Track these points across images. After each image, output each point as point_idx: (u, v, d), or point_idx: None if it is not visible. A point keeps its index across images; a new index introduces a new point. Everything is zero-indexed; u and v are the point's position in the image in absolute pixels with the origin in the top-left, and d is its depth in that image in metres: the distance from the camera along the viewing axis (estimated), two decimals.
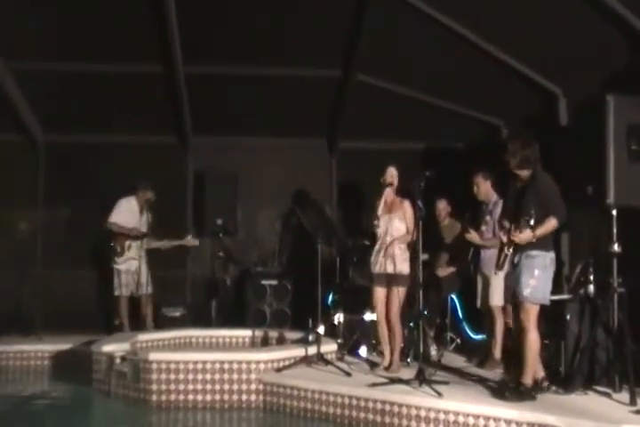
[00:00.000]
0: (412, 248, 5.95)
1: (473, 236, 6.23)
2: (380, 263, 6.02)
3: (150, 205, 7.97)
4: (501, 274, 6.09)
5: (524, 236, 4.84)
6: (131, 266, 7.81)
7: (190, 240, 8.00)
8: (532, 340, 4.89)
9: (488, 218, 6.32)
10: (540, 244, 4.89)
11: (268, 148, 9.24)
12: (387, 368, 5.95)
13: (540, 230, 4.84)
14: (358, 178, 8.50)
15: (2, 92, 8.20)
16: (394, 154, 7.41)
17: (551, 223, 4.86)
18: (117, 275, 7.87)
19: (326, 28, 7.22)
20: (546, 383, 5.02)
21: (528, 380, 4.89)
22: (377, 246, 6.11)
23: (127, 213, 7.93)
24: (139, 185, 8.00)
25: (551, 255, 4.95)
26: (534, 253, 4.90)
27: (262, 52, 7.64)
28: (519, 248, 4.96)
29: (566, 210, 4.91)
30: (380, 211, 6.08)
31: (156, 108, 8.53)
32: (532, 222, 4.78)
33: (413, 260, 5.95)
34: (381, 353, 6.22)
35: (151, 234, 7.97)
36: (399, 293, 5.91)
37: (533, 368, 4.93)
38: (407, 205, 6.03)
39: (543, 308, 4.99)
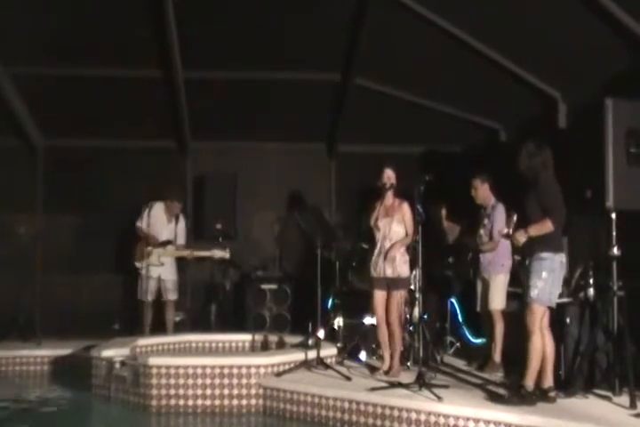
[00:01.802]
0: (412, 251, 5.94)
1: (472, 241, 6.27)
2: (380, 267, 5.99)
3: (177, 215, 7.97)
4: (501, 278, 6.15)
5: (518, 235, 4.91)
6: (152, 272, 7.74)
7: (217, 252, 7.78)
8: (536, 342, 4.88)
9: (486, 221, 6.31)
10: (548, 245, 4.89)
11: (267, 151, 9.24)
12: (386, 372, 5.94)
13: (533, 230, 4.88)
14: (357, 182, 8.48)
15: (1, 97, 8.20)
16: (392, 158, 7.40)
17: (546, 224, 4.86)
18: (140, 280, 7.85)
19: (325, 33, 7.23)
20: (553, 393, 4.93)
21: (530, 383, 4.88)
22: (376, 250, 6.08)
23: (150, 219, 7.85)
24: (168, 193, 7.97)
25: (560, 258, 4.94)
26: (543, 255, 4.89)
27: (261, 57, 7.65)
28: (529, 251, 4.97)
29: (565, 213, 4.91)
30: (379, 214, 6.08)
31: (156, 112, 8.53)
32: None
33: (413, 264, 5.94)
34: (381, 357, 6.21)
35: (178, 243, 7.94)
36: (400, 296, 5.92)
37: (536, 372, 4.90)
38: (406, 207, 6.01)
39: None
